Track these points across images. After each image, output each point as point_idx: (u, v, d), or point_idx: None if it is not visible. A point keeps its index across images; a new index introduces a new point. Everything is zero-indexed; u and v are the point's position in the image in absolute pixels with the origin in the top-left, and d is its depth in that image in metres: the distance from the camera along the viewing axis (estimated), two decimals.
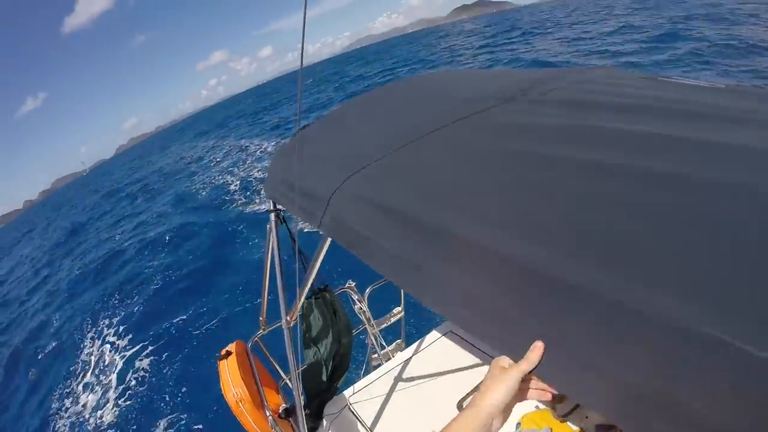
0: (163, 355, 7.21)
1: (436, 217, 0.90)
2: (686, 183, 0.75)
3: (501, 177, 0.97)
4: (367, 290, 2.55)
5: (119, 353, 7.94)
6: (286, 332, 1.67)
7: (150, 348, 7.59)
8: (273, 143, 20.99)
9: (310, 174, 1.38)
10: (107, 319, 9.57)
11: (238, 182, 15.60)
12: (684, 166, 0.80)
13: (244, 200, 13.31)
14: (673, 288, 0.53)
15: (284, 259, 1.74)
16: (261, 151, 20.10)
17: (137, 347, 7.79)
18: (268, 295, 2.08)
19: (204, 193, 16.44)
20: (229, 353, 2.10)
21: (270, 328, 2.29)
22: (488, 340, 0.72)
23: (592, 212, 0.74)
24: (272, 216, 1.76)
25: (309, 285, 1.54)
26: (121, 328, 8.84)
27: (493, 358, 0.74)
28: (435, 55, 38.86)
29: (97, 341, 8.88)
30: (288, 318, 1.66)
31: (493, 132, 1.22)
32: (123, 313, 9.44)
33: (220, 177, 17.85)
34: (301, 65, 0.93)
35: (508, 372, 0.77)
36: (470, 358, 2.18)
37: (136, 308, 9.34)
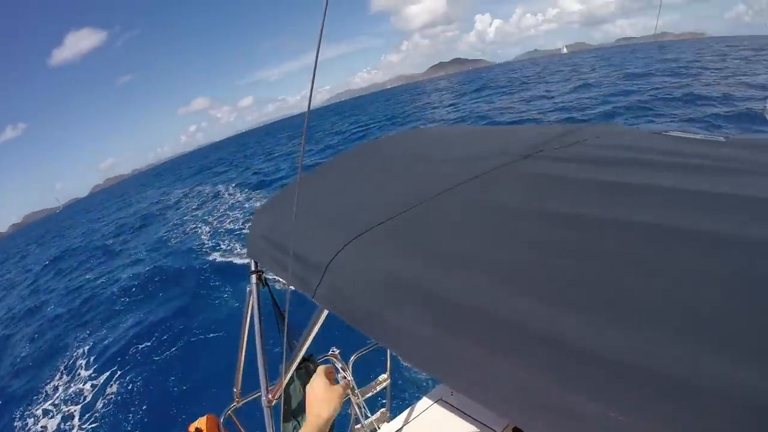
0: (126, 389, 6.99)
1: (455, 287, 0.80)
2: (733, 243, 0.73)
3: (524, 239, 0.90)
4: (352, 357, 2.38)
5: (86, 383, 7.75)
6: (266, 411, 1.50)
7: (113, 384, 7.34)
8: (245, 192, 20.94)
9: (303, 235, 1.23)
10: (75, 353, 9.28)
11: (211, 231, 15.36)
12: (722, 222, 0.79)
13: (215, 249, 13.05)
14: (733, 360, 0.50)
15: (265, 323, 1.57)
16: (235, 201, 19.96)
17: (101, 381, 7.60)
18: (245, 364, 1.91)
19: (177, 240, 16.08)
20: (199, 431, 1.91)
21: (245, 401, 2.09)
22: (506, 416, 0.67)
23: (626, 275, 0.70)
24: (253, 278, 1.61)
25: (297, 362, 1.38)
26: (88, 361, 8.59)
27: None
28: (405, 112, 40.71)
29: (63, 374, 8.58)
30: (269, 397, 1.49)
31: (512, 190, 1.15)
32: (89, 349, 9.14)
33: (194, 225, 17.55)
34: (309, 108, 0.80)
35: (337, 391, 1.03)
36: (463, 428, 2.05)
37: (104, 343, 9.07)
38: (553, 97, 25.09)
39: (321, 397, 1.01)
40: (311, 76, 0.72)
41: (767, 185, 0.96)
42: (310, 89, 0.74)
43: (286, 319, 1.30)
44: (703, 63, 30.20)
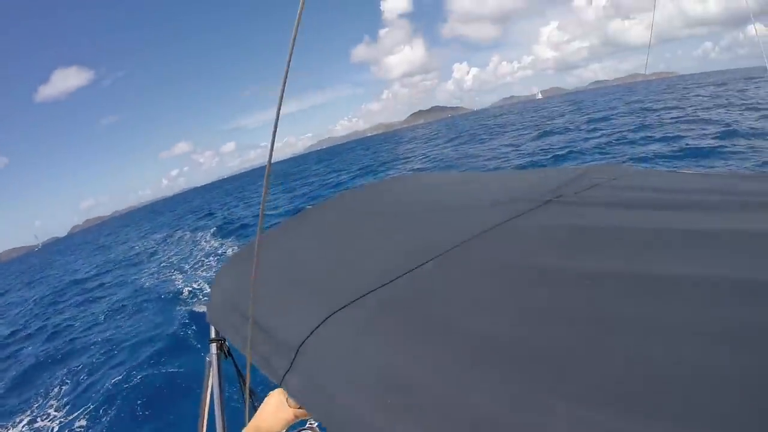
0: None
1: (483, 389, 0.59)
2: None
3: (572, 315, 0.68)
4: None
5: (54, 420, 7.50)
6: None
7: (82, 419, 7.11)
8: (219, 239, 20.69)
9: (271, 303, 1.01)
10: (48, 391, 8.94)
11: (186, 280, 15.27)
12: None
13: (190, 296, 12.99)
14: None
15: (228, 390, 1.41)
16: (210, 247, 19.71)
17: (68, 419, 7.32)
18: None
19: (152, 285, 15.80)
20: None
21: None
22: None
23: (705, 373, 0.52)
24: (213, 347, 1.40)
25: None
26: (60, 402, 8.25)
27: None
28: (381, 159, 41.40)
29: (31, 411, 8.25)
30: None
31: (543, 244, 0.95)
32: (60, 388, 8.88)
33: (170, 273, 17.35)
34: (270, 159, 0.68)
35: (287, 416, 0.96)
36: None
37: (76, 381, 8.88)
38: (519, 146, 25.98)
39: (267, 413, 0.95)
40: (282, 126, 0.62)
41: None
42: (270, 143, 0.65)
43: (247, 388, 1.06)
44: (666, 102, 30.94)
